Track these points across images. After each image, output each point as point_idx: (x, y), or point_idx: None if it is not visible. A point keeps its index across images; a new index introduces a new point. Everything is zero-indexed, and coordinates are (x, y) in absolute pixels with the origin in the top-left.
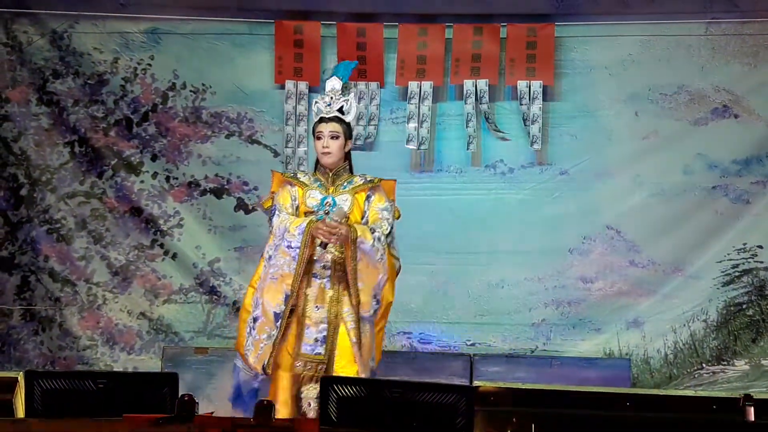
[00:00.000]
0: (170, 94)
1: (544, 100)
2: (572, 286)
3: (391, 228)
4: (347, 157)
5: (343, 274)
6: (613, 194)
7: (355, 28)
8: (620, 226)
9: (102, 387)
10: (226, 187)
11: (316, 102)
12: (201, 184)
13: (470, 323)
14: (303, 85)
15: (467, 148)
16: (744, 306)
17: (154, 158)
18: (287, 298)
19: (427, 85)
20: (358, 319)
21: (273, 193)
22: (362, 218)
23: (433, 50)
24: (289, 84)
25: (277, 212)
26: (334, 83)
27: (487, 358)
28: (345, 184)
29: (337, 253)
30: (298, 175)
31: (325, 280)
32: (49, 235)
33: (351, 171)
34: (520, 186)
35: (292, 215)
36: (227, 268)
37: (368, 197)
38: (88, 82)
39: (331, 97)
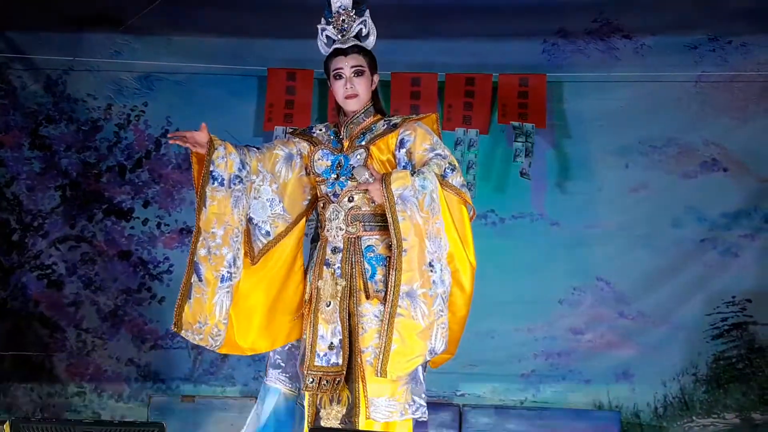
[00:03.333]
0: (163, 140)
1: (535, 152)
2: (562, 337)
3: (454, 166)
4: (374, 97)
5: (358, 257)
6: (603, 246)
7: None
8: (610, 277)
9: None
10: None
11: (322, 29)
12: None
13: (459, 373)
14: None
15: None
16: (734, 360)
17: (146, 205)
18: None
19: None
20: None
21: None
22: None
23: (426, 98)
24: (278, 130)
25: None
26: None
27: (476, 408)
28: (363, 134)
29: (351, 228)
30: (314, 130)
31: (336, 267)
32: (39, 281)
33: (381, 113)
34: (511, 236)
35: (266, 161)
36: None
37: (402, 142)
38: (82, 128)
39: (344, 19)
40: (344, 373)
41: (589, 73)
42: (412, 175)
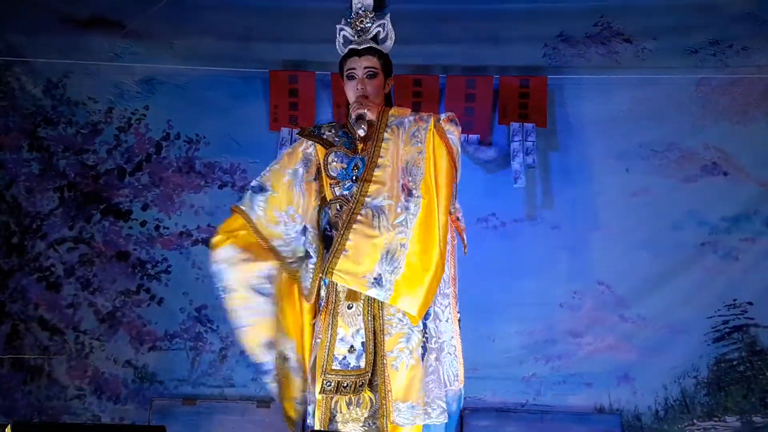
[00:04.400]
0: (164, 144)
1: (536, 155)
2: (563, 340)
3: (456, 122)
4: (387, 99)
5: None
6: (604, 249)
7: None
8: (610, 281)
9: None
10: None
11: (340, 29)
12: (193, 234)
13: None
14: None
15: None
16: (735, 362)
17: (144, 207)
18: (270, 344)
19: None
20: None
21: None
22: None
23: (428, 100)
24: (285, 131)
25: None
26: None
27: (477, 411)
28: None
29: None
30: (323, 130)
31: None
32: (38, 284)
33: None
34: (512, 240)
35: (270, 200)
36: (214, 315)
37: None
38: (81, 131)
39: (362, 20)
40: (369, 376)
41: (589, 77)
42: (413, 111)
